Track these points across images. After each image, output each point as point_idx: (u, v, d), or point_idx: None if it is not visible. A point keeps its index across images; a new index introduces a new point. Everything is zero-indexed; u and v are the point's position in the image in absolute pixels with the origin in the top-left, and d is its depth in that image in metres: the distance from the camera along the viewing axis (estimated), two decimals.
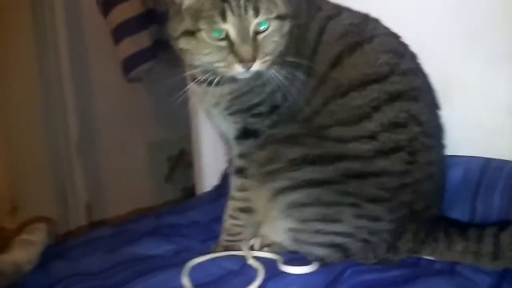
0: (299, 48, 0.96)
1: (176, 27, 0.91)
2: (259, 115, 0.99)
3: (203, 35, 0.86)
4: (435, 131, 0.97)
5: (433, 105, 0.99)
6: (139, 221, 1.22)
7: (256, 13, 0.85)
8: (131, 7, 1.90)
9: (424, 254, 0.93)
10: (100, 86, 2.14)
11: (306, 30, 0.98)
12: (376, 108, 0.91)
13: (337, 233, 0.92)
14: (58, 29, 2.00)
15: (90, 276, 0.94)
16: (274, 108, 0.98)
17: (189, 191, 1.26)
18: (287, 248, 0.98)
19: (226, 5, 0.83)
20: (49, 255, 1.02)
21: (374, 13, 1.02)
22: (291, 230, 0.94)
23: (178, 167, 2.30)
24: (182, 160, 2.26)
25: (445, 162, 0.99)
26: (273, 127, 0.99)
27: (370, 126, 0.90)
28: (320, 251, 0.93)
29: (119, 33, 1.89)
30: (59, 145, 2.08)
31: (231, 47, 0.85)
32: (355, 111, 0.91)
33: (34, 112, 2.03)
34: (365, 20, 0.99)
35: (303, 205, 0.92)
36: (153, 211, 1.31)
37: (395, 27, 1.01)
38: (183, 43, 0.90)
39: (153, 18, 2.00)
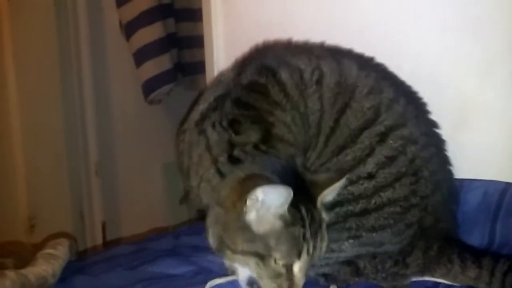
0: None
1: (237, 242, 0.85)
2: None
3: (271, 262, 0.84)
4: (430, 138, 0.98)
5: (419, 111, 1.00)
6: (158, 240, 1.24)
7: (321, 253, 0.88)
8: (153, 31, 1.95)
9: (438, 275, 0.93)
10: (119, 108, 2.19)
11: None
12: (369, 155, 0.93)
13: (340, 257, 0.94)
14: (81, 50, 2.07)
15: None
16: None
17: (204, 214, 1.27)
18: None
19: (305, 245, 0.84)
20: (70, 270, 1.04)
21: (392, 39, 1.04)
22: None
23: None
24: None
25: (448, 163, 1.00)
26: None
27: (366, 169, 0.92)
28: (329, 270, 0.95)
29: (141, 55, 1.95)
30: (79, 165, 2.12)
31: (289, 275, 0.85)
32: (350, 163, 0.93)
33: (55, 132, 2.07)
34: (342, 71, 0.98)
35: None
36: (171, 231, 1.32)
37: (413, 52, 1.04)
38: (245, 259, 0.86)
39: (174, 42, 2.06)
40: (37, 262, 0.91)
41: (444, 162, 0.99)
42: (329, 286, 0.94)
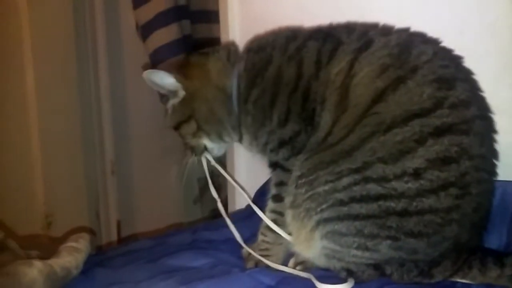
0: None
1: None
2: (271, 151, 1.08)
3: None
4: (487, 162, 0.94)
5: (487, 132, 0.95)
6: (175, 235, 1.26)
7: None
8: (169, 33, 1.98)
9: (456, 277, 0.94)
10: (135, 108, 2.22)
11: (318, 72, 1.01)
12: (419, 142, 0.88)
13: (372, 258, 0.93)
14: (98, 51, 2.10)
15: (132, 284, 0.96)
16: (282, 143, 1.05)
17: (218, 213, 1.29)
18: (319, 265, 1.00)
19: None
20: (91, 263, 1.06)
21: None
22: (327, 248, 0.96)
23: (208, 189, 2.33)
24: (213, 181, 2.29)
25: (493, 191, 0.97)
26: (292, 157, 1.04)
27: (414, 163, 0.87)
28: (354, 267, 0.95)
29: (157, 56, 1.97)
30: (95, 164, 2.15)
31: None
32: (397, 146, 0.89)
33: (72, 131, 2.10)
34: (406, 48, 0.96)
35: (344, 234, 0.92)
36: (188, 227, 1.35)
37: None
38: None
39: (189, 42, 2.08)
40: (60, 254, 0.93)
41: (491, 191, 0.96)
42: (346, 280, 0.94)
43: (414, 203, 0.87)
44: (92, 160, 2.15)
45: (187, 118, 1.12)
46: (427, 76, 0.92)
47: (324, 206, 0.93)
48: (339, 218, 0.92)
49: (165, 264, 1.06)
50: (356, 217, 0.91)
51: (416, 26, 1.09)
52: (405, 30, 1.02)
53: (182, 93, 1.12)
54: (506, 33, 1.05)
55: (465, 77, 0.97)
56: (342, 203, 0.92)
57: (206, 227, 1.30)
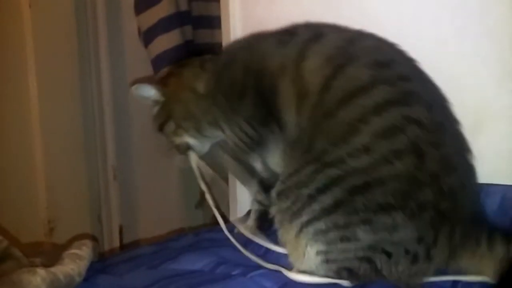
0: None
1: None
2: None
3: None
4: (445, 126, 0.97)
5: (438, 104, 0.99)
6: (178, 240, 1.27)
7: None
8: (171, 39, 1.99)
9: (464, 261, 0.93)
10: (137, 113, 2.22)
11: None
12: (362, 121, 0.93)
13: (359, 249, 0.93)
14: (100, 57, 2.10)
15: None
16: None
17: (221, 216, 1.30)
18: (319, 273, 0.99)
19: None
20: (94, 270, 1.06)
21: (411, 45, 1.06)
22: (320, 252, 0.96)
23: (211, 192, 2.34)
24: (215, 185, 2.29)
25: (468, 153, 0.98)
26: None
27: (361, 139, 0.92)
28: (349, 264, 0.95)
29: (159, 62, 1.98)
30: (97, 169, 2.16)
31: None
32: (344, 128, 0.94)
33: (74, 137, 2.11)
34: (352, 41, 1.04)
35: (325, 231, 0.94)
36: (191, 232, 1.35)
37: (431, 58, 1.05)
38: None
39: (191, 48, 2.09)
40: (64, 261, 0.93)
41: (463, 152, 0.98)
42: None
43: (372, 174, 0.90)
44: (94, 165, 2.15)
45: (166, 118, 1.25)
46: (366, 60, 0.99)
47: (299, 207, 0.96)
48: (316, 218, 0.94)
49: (167, 269, 1.06)
50: (327, 211, 0.93)
51: (416, 31, 1.10)
52: (359, 31, 1.10)
53: (161, 99, 1.25)
54: (506, 38, 1.05)
55: (406, 61, 1.03)
56: (311, 198, 0.94)
57: (210, 230, 1.32)
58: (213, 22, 2.03)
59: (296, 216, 0.97)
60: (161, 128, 1.27)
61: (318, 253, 0.96)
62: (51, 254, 1.05)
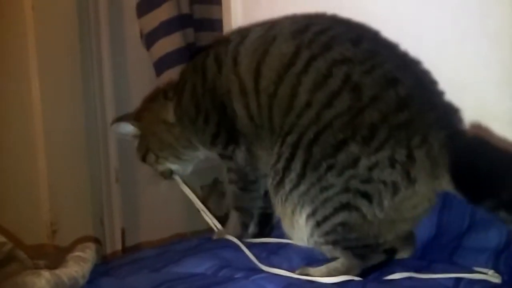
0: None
1: None
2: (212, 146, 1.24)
3: None
4: (378, 50, 1.02)
5: (367, 36, 1.06)
6: (180, 243, 1.27)
7: None
8: (173, 41, 1.99)
9: (444, 180, 0.93)
10: None
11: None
12: (297, 85, 1.02)
13: (337, 194, 0.97)
14: (103, 59, 2.11)
15: None
16: (214, 137, 1.22)
17: (222, 221, 1.31)
18: (315, 242, 1.04)
19: None
20: (97, 273, 1.06)
21: (412, 48, 1.06)
22: (309, 216, 1.02)
23: (212, 196, 2.34)
24: (216, 189, 2.30)
25: (415, 64, 1.03)
26: (229, 145, 1.20)
27: (301, 100, 1.02)
28: (339, 218, 0.98)
29: (161, 65, 1.99)
30: (99, 172, 2.16)
31: None
32: (288, 98, 1.04)
33: (77, 140, 2.12)
34: (271, 28, 1.13)
35: (306, 191, 1.00)
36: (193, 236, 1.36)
37: (432, 61, 1.06)
38: None
39: (193, 51, 2.09)
40: (68, 264, 0.94)
41: (404, 63, 1.02)
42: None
43: (320, 123, 0.98)
44: (96, 168, 2.16)
45: (146, 151, 1.35)
46: (285, 36, 1.08)
47: (278, 180, 1.05)
48: (295, 185, 1.02)
49: (170, 272, 1.06)
50: (301, 175, 1.00)
51: (417, 34, 1.11)
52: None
53: (139, 133, 1.35)
54: (507, 43, 1.06)
55: (324, 19, 1.14)
56: (286, 169, 1.03)
57: (212, 232, 1.33)
58: (215, 25, 2.04)
59: (280, 189, 1.05)
60: (143, 159, 1.37)
61: (308, 218, 1.01)
62: (53, 257, 1.06)
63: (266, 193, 1.21)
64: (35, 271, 0.83)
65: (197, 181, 2.46)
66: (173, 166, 1.37)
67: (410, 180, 0.93)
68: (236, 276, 1.01)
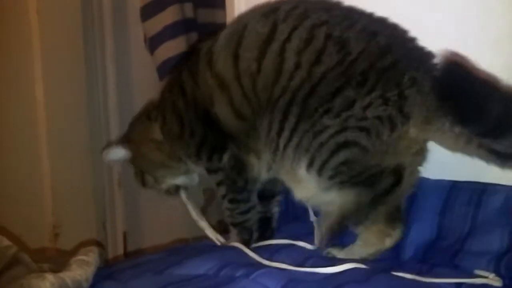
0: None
1: None
2: (198, 160, 1.25)
3: None
4: (352, 14, 1.07)
5: (339, 7, 1.10)
6: (183, 246, 1.28)
7: None
8: (177, 45, 2.00)
9: (433, 134, 1.00)
10: None
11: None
12: (284, 52, 1.04)
13: (333, 135, 1.01)
14: (106, 63, 2.14)
15: None
16: (199, 149, 1.22)
17: (224, 224, 1.31)
18: (321, 193, 1.07)
19: None
20: (99, 276, 1.07)
21: None
22: (309, 167, 1.04)
23: (214, 200, 2.34)
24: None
25: (385, 20, 1.08)
26: (214, 155, 1.20)
27: (289, 64, 1.03)
28: (339, 158, 1.01)
29: (164, 69, 1.99)
30: (102, 176, 2.18)
31: None
32: (273, 68, 1.05)
33: (81, 144, 2.13)
34: (238, 21, 1.16)
35: (299, 142, 1.03)
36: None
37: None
38: None
39: None
40: (71, 267, 0.94)
41: (377, 19, 1.08)
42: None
43: (312, 79, 1.01)
44: (99, 172, 2.17)
45: (142, 175, 1.34)
46: (255, 19, 1.10)
47: (275, 143, 1.07)
48: (288, 139, 1.04)
49: (172, 274, 1.06)
50: (294, 129, 1.03)
51: (420, 40, 1.11)
52: None
53: (130, 156, 1.33)
54: (509, 49, 1.06)
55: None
56: (280, 130, 1.05)
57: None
58: (219, 29, 2.04)
59: (276, 149, 1.07)
60: (143, 184, 1.36)
61: (308, 169, 1.04)
62: (56, 260, 1.07)
63: (263, 197, 1.23)
64: (40, 274, 0.84)
65: (199, 184, 2.47)
66: (177, 181, 1.36)
67: (404, 115, 0.98)
68: (237, 274, 1.01)
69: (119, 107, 2.16)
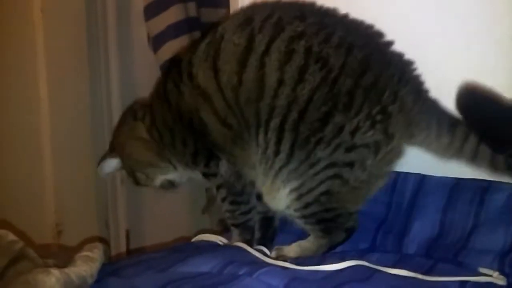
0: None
1: None
2: (195, 166, 1.24)
3: None
4: (325, 21, 1.06)
5: (312, 12, 1.10)
6: (186, 244, 1.28)
7: None
8: (180, 45, 1.99)
9: (416, 140, 1.04)
10: None
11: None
12: (262, 67, 1.04)
13: (324, 168, 1.04)
14: (110, 62, 2.15)
15: None
16: (194, 156, 1.22)
17: (226, 223, 1.32)
18: (294, 214, 1.10)
19: None
20: (104, 273, 1.07)
21: (418, 54, 1.07)
22: (293, 190, 1.07)
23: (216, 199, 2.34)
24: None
25: (366, 26, 1.09)
26: (211, 161, 1.20)
27: (272, 79, 1.03)
28: (323, 188, 1.05)
29: None
30: None
31: None
32: (254, 85, 1.05)
33: (83, 143, 2.14)
34: (214, 32, 1.13)
35: (296, 169, 1.05)
36: None
37: (439, 67, 1.07)
38: None
39: None
40: (76, 263, 0.94)
41: (353, 27, 1.08)
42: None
43: (299, 101, 1.01)
44: None
45: (133, 173, 1.33)
46: (231, 31, 1.09)
47: (270, 164, 1.08)
48: (285, 163, 1.06)
49: (176, 272, 1.06)
50: (289, 154, 1.04)
51: (423, 41, 1.11)
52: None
53: (120, 161, 1.33)
54: None
55: (267, 7, 1.13)
56: (276, 152, 1.06)
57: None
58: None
59: (270, 169, 1.09)
60: (137, 183, 1.35)
61: (291, 191, 1.07)
62: (59, 256, 1.07)
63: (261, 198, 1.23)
64: (45, 269, 0.84)
65: (202, 183, 2.47)
66: (168, 176, 1.34)
67: (389, 136, 1.01)
68: (240, 272, 1.02)
69: (122, 106, 2.15)
